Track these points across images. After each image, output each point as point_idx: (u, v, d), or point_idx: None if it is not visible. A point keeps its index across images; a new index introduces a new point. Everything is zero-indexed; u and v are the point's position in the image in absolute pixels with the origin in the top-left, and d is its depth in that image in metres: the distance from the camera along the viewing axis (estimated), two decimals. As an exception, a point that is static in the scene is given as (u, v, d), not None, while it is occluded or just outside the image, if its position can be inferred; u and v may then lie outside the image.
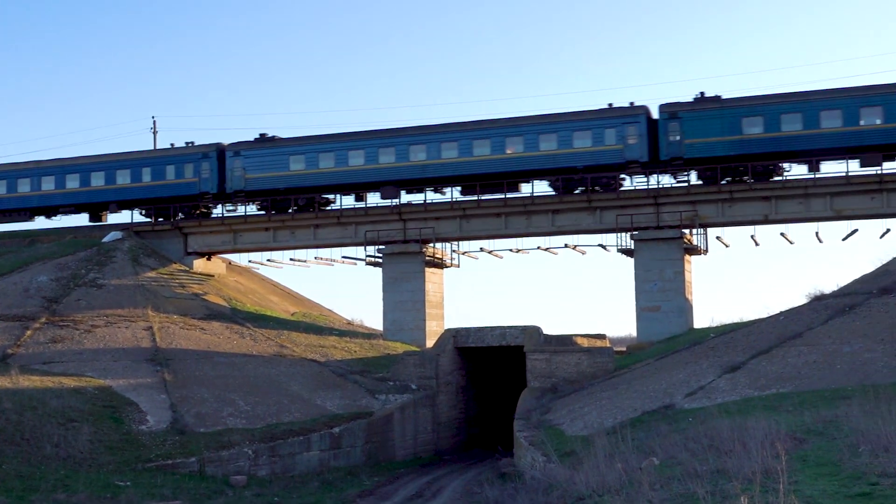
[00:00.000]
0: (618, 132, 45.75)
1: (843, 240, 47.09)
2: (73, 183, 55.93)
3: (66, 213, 56.86)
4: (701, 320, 47.28)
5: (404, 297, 49.42)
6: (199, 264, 54.17)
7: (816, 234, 46.67)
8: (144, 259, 51.22)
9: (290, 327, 47.91)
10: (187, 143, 54.49)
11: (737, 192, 44.94)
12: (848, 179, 43.53)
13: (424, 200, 50.12)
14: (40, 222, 58.70)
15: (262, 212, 52.54)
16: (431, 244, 50.17)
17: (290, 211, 51.72)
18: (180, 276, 51.28)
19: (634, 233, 45.67)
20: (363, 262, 52.00)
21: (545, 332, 42.40)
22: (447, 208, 49.50)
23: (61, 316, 42.68)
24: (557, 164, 46.83)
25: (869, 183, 43.18)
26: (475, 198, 49.02)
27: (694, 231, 46.10)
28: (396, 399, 38.93)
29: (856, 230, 46.09)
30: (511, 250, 52.34)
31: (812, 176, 44.20)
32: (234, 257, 57.63)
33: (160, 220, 54.93)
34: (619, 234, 46.64)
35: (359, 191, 51.25)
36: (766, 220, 45.33)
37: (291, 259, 56.76)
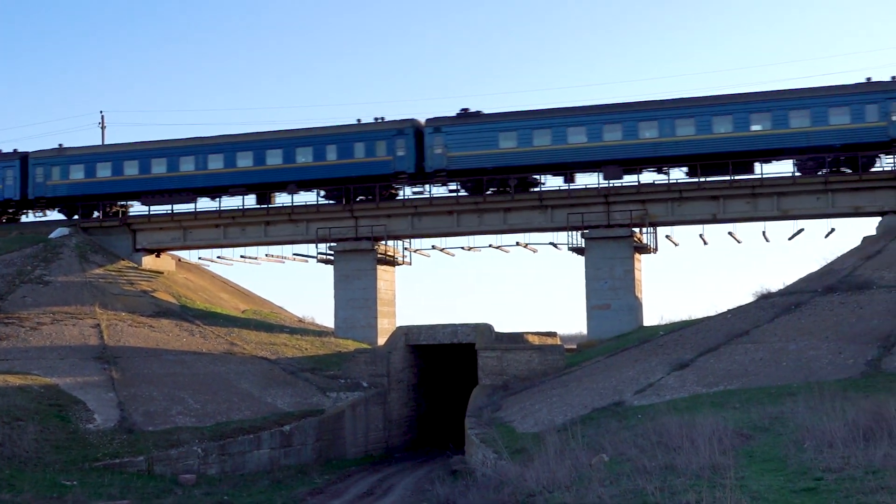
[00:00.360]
0: (881, 108, 42.93)
1: (790, 239, 47.92)
2: (244, 161, 51.27)
3: (235, 193, 51.90)
4: (650, 318, 47.83)
5: (356, 295, 49.29)
6: (148, 261, 53.53)
7: (763, 233, 47.42)
8: (92, 256, 50.51)
9: (240, 325, 47.56)
10: (377, 118, 50.21)
11: (686, 191, 45.46)
12: (794, 180, 44.24)
13: (376, 198, 50.02)
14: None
15: (459, 194, 48.95)
16: (383, 242, 50.11)
17: (487, 193, 47.98)
18: (129, 272, 50.66)
19: (585, 231, 46.01)
20: (314, 260, 51.86)
21: (497, 329, 42.51)
22: (399, 206, 49.47)
23: (6, 313, 41.93)
24: (810, 142, 43.69)
25: (814, 183, 43.91)
26: (427, 196, 49.08)
27: (644, 230, 46.53)
28: (348, 397, 38.83)
29: (801, 230, 46.92)
30: (463, 248, 52.50)
31: (759, 176, 44.89)
32: (184, 254, 57.04)
33: (107, 216, 54.24)
34: (570, 233, 47.01)
35: (576, 171, 47.53)
36: (715, 220, 45.91)
37: (242, 256, 56.42)
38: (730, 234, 48.04)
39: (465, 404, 37.17)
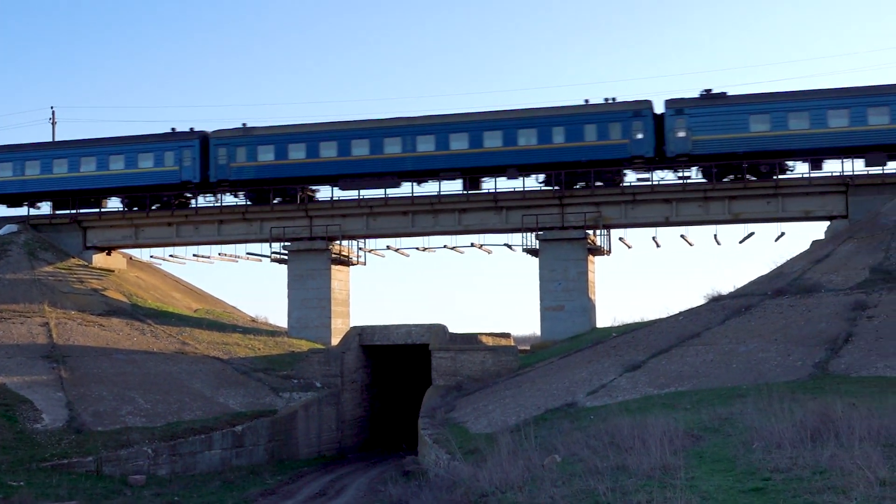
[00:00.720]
0: None
1: (740, 242, 48.45)
2: (459, 143, 47.58)
3: (447, 177, 48.17)
4: (603, 320, 48.19)
5: (310, 295, 49.05)
6: (99, 259, 52.82)
7: (715, 236, 47.95)
8: (41, 253, 49.76)
9: (192, 324, 47.14)
10: (606, 99, 46.80)
11: (639, 194, 45.82)
12: (745, 184, 44.76)
13: (331, 197, 49.76)
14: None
15: (692, 180, 45.89)
16: (338, 241, 49.91)
17: (725, 179, 44.87)
18: (79, 271, 49.98)
19: (539, 233, 46.18)
20: (268, 259, 51.51)
21: (450, 330, 42.59)
22: (354, 206, 49.30)
23: (-48, 311, 41.20)
24: None
25: (765, 188, 44.48)
26: (382, 195, 48.98)
27: (597, 232, 46.83)
28: (301, 397, 38.65)
29: (752, 233, 47.51)
30: (417, 249, 52.53)
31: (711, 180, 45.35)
32: (136, 252, 56.42)
33: (58, 212, 53.45)
34: (524, 234, 47.22)
35: (833, 157, 44.22)
36: (668, 223, 46.34)
37: (195, 255, 55.88)
38: (682, 236, 48.54)
39: (418, 405, 37.16)
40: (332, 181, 49.89)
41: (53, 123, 67.10)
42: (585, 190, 46.45)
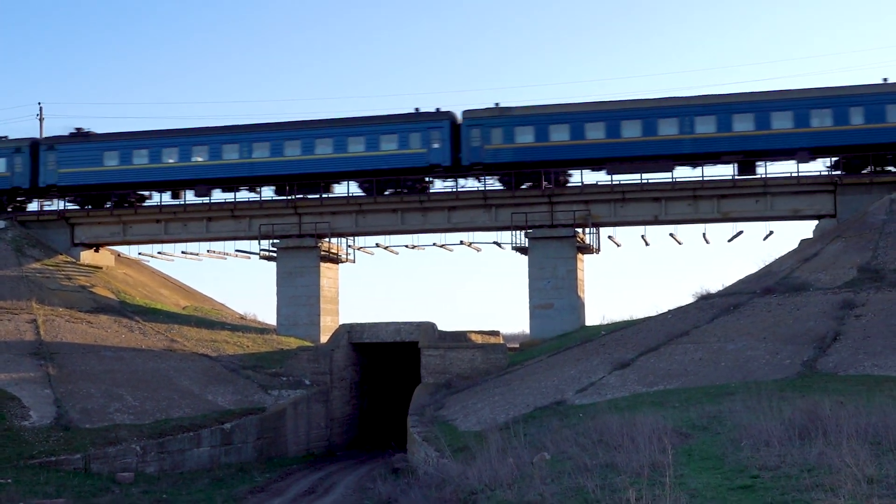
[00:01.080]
0: None
1: (729, 241, 48.62)
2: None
3: (728, 161, 45.11)
4: (592, 318, 48.19)
5: (299, 292, 48.93)
6: (87, 256, 52.58)
7: (704, 235, 48.06)
8: (29, 250, 49.56)
9: (180, 321, 47.02)
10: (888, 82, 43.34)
11: (629, 192, 45.84)
12: (734, 183, 44.84)
13: (320, 195, 49.64)
14: None
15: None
16: (327, 239, 49.82)
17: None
18: (67, 267, 49.80)
19: (529, 231, 46.16)
20: (257, 256, 51.36)
21: (440, 328, 42.59)
22: (343, 203, 49.18)
23: (-61, 308, 41.01)
24: None
25: (754, 186, 44.57)
26: (371, 193, 48.92)
27: (587, 230, 46.84)
28: (289, 394, 38.62)
29: (741, 232, 47.65)
30: (407, 246, 52.44)
31: (700, 178, 45.38)
32: (124, 249, 56.22)
33: (45, 209, 53.20)
34: (513, 232, 47.17)
35: None
36: (657, 221, 46.36)
37: (183, 252, 55.65)
38: (671, 235, 48.60)
39: (407, 403, 37.18)
40: (598, 164, 46.48)
41: (41, 119, 66.75)
42: (575, 188, 46.48)
